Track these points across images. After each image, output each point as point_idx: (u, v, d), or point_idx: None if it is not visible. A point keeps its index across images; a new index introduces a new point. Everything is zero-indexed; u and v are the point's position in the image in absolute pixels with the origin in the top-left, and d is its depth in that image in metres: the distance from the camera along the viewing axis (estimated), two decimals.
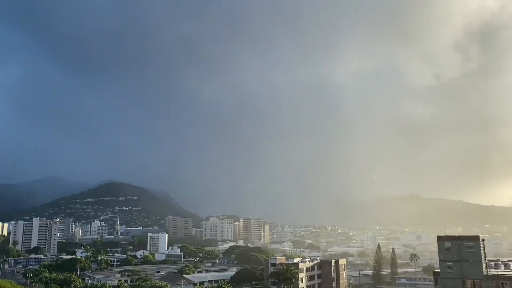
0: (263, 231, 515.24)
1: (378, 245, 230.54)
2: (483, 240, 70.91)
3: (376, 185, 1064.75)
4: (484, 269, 68.02)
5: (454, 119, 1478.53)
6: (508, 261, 74.11)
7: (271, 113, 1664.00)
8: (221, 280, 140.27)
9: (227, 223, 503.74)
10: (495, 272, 71.14)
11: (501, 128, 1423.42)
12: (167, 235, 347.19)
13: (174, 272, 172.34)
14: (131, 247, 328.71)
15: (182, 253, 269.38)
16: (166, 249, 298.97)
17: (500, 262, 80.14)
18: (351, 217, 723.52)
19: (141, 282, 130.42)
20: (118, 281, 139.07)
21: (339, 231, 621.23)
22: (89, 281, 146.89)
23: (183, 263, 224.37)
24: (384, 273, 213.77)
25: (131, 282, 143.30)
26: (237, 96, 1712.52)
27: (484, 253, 69.99)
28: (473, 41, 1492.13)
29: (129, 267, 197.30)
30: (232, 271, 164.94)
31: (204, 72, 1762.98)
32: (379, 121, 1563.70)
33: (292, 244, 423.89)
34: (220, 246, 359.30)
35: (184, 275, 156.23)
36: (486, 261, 71.24)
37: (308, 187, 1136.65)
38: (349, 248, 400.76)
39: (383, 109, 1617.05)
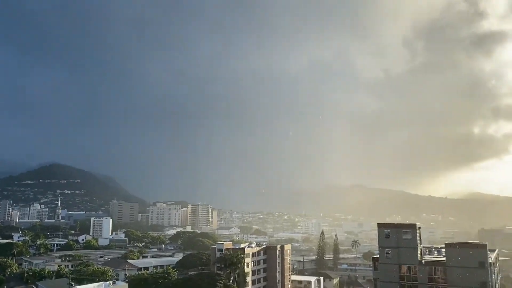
0: (211, 217, 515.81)
1: (322, 232, 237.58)
2: (419, 228, 74.87)
3: (324, 175, 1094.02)
4: (419, 255, 71.95)
5: (400, 113, 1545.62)
6: (441, 248, 78.84)
7: (222, 99, 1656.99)
8: (166, 265, 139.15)
9: (175, 208, 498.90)
10: (429, 258, 75.50)
11: (442, 124, 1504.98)
12: (111, 220, 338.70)
13: (118, 257, 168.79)
14: (73, 231, 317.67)
15: (127, 238, 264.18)
16: (110, 234, 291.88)
17: (434, 249, 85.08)
18: (298, 205, 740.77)
19: (83, 267, 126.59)
20: (58, 266, 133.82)
21: (286, 218, 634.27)
22: (27, 266, 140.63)
23: (127, 248, 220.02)
24: (327, 258, 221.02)
25: (72, 267, 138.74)
26: (188, 81, 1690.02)
27: (420, 240, 73.95)
28: (420, 38, 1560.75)
29: (70, 252, 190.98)
30: (179, 257, 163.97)
31: (154, 56, 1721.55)
32: (330, 112, 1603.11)
33: (239, 230, 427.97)
34: (166, 232, 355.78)
35: (128, 260, 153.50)
36: (421, 248, 75.39)
37: (258, 175, 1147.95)
38: (295, 234, 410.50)
39: (334, 101, 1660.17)
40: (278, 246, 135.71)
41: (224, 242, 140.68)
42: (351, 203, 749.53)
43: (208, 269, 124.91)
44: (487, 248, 70.09)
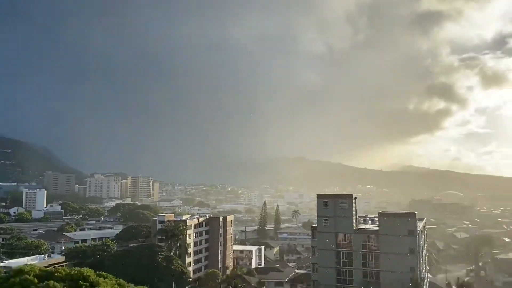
0: (152, 189, 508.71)
1: (264, 203, 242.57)
2: (355, 198, 78.23)
3: (267, 147, 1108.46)
4: (354, 224, 75.45)
5: (341, 88, 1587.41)
6: (375, 217, 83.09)
7: (169, 70, 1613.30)
8: (105, 238, 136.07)
9: (114, 180, 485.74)
10: (364, 227, 79.47)
11: (379, 99, 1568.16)
12: (45, 191, 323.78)
13: (54, 230, 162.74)
14: (3, 203, 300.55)
15: (63, 210, 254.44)
16: (45, 206, 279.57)
17: (368, 218, 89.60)
18: (241, 177, 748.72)
19: (15, 240, 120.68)
20: None
21: (229, 190, 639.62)
22: None
23: (63, 221, 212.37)
24: (268, 228, 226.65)
25: (3, 240, 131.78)
26: (135, 50, 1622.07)
27: (355, 210, 77.44)
28: (364, 14, 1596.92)
29: (1, 225, 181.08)
30: (118, 229, 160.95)
31: (100, 22, 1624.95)
32: (273, 86, 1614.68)
33: (181, 202, 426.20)
34: (105, 204, 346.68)
35: (65, 233, 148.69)
36: (357, 217, 79.04)
37: (201, 147, 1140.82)
38: (238, 206, 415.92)
39: (277, 74, 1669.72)
40: (221, 217, 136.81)
41: (166, 214, 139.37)
42: (293, 175, 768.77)
43: (149, 241, 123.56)
44: (416, 217, 74.72)
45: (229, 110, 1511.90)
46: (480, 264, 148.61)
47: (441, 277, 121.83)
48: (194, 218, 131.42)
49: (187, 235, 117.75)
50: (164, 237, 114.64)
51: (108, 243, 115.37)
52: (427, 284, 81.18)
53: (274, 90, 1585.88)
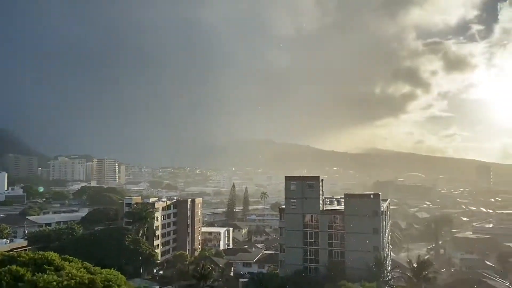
0: (119, 171, 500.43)
1: (233, 185, 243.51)
2: (322, 180, 79.69)
3: (235, 130, 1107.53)
4: (321, 205, 77.05)
5: (309, 71, 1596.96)
6: (341, 198, 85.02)
7: (137, 53, 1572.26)
8: (71, 221, 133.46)
9: (79, 163, 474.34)
10: (330, 208, 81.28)
11: (346, 82, 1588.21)
12: (6, 174, 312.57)
13: (16, 214, 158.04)
14: None
15: (25, 194, 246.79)
16: (6, 189, 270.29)
17: (334, 199, 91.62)
18: (210, 159, 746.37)
19: None
20: None
21: (198, 172, 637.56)
22: None
23: (26, 204, 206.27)
24: (237, 210, 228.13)
25: None
26: (99, 30, 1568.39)
27: (322, 191, 78.97)
28: None
29: None
30: (84, 212, 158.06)
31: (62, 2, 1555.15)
32: (242, 68, 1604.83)
33: (149, 185, 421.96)
34: (70, 187, 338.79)
35: (27, 217, 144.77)
36: (323, 198, 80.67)
37: (169, 130, 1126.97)
38: (206, 188, 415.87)
39: (245, 56, 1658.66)
40: (189, 200, 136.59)
41: (133, 197, 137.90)
42: (262, 158, 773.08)
43: (116, 224, 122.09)
44: (380, 198, 76.96)
45: (197, 93, 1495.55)
46: (440, 242, 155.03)
47: (403, 255, 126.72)
48: (162, 201, 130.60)
49: (155, 218, 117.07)
50: (131, 220, 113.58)
51: (73, 226, 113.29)
52: (390, 262, 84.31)
53: (242, 72, 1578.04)
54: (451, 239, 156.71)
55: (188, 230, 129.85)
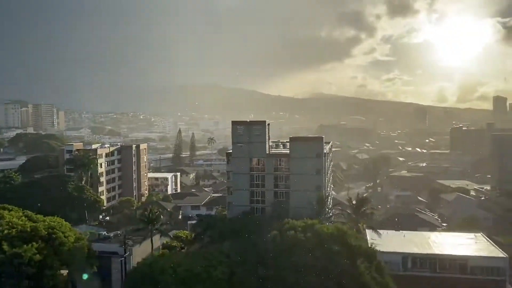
0: (57, 117, 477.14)
1: (179, 131, 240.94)
2: (268, 125, 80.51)
3: (179, 73, 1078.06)
4: (267, 149, 78.34)
5: (256, 12, 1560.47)
6: (286, 142, 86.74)
7: None
8: (7, 169, 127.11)
9: (13, 108, 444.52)
10: (275, 151, 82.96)
11: (293, 26, 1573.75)
12: None
13: None
14: None
15: None
16: None
17: (280, 143, 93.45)
18: (154, 104, 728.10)
19: None
20: None
21: (141, 118, 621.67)
22: None
23: None
24: (184, 156, 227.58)
25: None
26: None
27: (268, 136, 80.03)
28: None
29: None
30: (21, 160, 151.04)
31: None
32: (183, 8, 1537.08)
33: (90, 131, 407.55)
34: (4, 134, 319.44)
35: None
36: (269, 142, 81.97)
37: (109, 73, 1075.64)
38: (151, 134, 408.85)
39: None
40: (134, 146, 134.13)
41: (74, 144, 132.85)
42: (208, 103, 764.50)
43: (56, 171, 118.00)
44: (323, 141, 79.36)
45: (136, 34, 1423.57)
46: (378, 181, 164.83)
47: (344, 194, 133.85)
48: (105, 147, 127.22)
49: (99, 165, 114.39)
50: (73, 167, 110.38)
51: (11, 175, 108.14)
52: (331, 201, 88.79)
53: (184, 13, 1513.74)
54: (388, 178, 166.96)
55: (134, 176, 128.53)
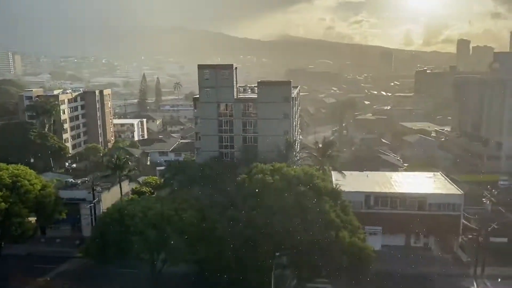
0: (13, 62, 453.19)
1: (144, 75, 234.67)
2: (236, 68, 79.33)
3: (142, 15, 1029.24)
4: (235, 94, 77.73)
5: None
6: (254, 86, 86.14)
7: None
8: None
9: None
10: (243, 96, 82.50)
11: None
12: None
13: None
14: None
15: None
16: None
17: (248, 88, 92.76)
18: (116, 47, 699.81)
19: None
20: None
21: (104, 62, 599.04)
22: None
23: None
24: (149, 101, 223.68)
25: None
26: None
27: (236, 80, 79.12)
28: None
29: None
30: None
31: None
32: None
33: (50, 76, 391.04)
34: None
35: None
36: (237, 87, 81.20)
37: (65, 15, 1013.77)
38: (114, 79, 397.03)
39: None
40: (97, 91, 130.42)
41: (34, 90, 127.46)
42: (172, 46, 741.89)
43: (16, 118, 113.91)
44: (291, 85, 79.36)
45: None
46: (344, 124, 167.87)
47: (311, 138, 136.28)
48: (67, 93, 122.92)
49: (61, 111, 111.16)
50: (34, 114, 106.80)
51: None
52: (299, 144, 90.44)
53: None
54: (354, 121, 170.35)
55: (99, 123, 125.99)
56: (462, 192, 61.61)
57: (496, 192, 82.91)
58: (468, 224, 62.66)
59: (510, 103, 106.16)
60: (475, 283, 52.71)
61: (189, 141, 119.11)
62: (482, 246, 54.52)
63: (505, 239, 61.18)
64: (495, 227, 59.77)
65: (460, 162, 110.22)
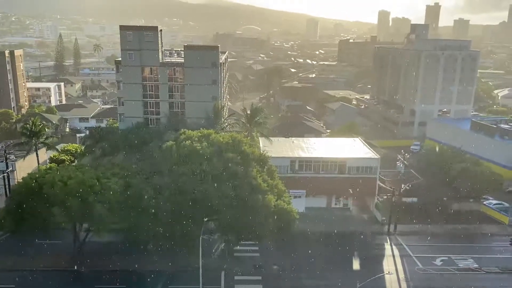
0: None
1: (60, 36, 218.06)
2: (161, 31, 76.31)
3: None
4: (160, 57, 75.09)
5: None
6: (181, 50, 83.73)
7: None
8: None
9: None
10: (169, 60, 79.97)
11: None
12: None
13: None
14: None
15: None
16: None
17: (174, 52, 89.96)
18: (28, 5, 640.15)
19: None
20: None
21: (14, 20, 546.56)
22: None
23: None
24: (67, 64, 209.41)
25: None
26: None
27: (161, 43, 76.28)
28: None
29: None
30: None
31: None
32: None
33: None
34: None
35: None
36: (163, 50, 78.40)
37: None
38: (27, 39, 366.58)
39: None
40: (7, 52, 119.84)
41: None
42: (92, 5, 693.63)
43: None
44: (219, 51, 78.25)
45: None
46: (271, 91, 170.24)
47: (239, 104, 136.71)
48: None
49: None
50: None
51: None
52: (227, 111, 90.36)
53: None
54: (280, 88, 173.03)
55: (10, 86, 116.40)
56: (379, 156, 65.79)
57: (408, 156, 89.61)
58: (383, 185, 67.42)
59: (423, 73, 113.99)
60: (388, 239, 57.42)
61: (112, 106, 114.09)
62: (395, 205, 59.20)
63: (415, 199, 66.87)
64: (407, 188, 65.11)
65: (377, 128, 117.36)
